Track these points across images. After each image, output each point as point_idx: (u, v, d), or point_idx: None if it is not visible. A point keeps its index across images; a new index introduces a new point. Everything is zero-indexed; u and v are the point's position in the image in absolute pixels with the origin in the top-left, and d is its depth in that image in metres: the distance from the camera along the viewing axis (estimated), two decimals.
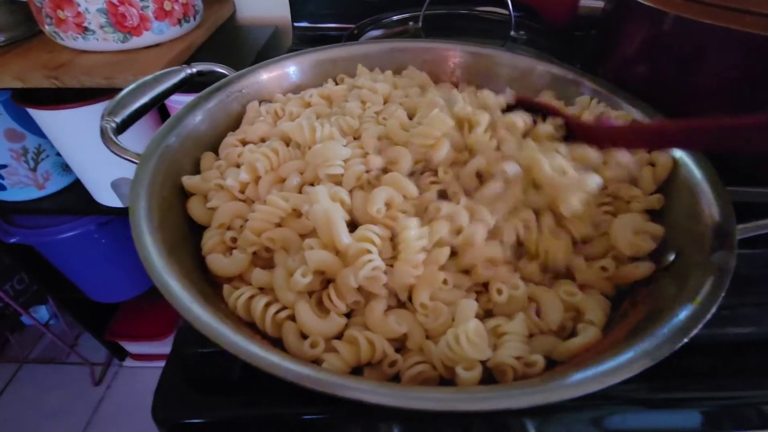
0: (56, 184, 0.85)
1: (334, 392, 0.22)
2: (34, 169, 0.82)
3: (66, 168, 0.85)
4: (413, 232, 0.29)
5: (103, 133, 0.34)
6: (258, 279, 0.30)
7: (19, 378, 1.24)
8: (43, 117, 0.71)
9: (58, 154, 0.82)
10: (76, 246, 0.92)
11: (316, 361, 0.27)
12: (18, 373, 1.24)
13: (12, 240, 0.88)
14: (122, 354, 1.25)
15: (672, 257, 0.30)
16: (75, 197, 0.85)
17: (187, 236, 0.34)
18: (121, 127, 0.35)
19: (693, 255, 0.28)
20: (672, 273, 0.29)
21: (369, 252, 0.28)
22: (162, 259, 0.26)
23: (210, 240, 0.33)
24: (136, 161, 0.33)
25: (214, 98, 0.40)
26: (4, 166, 0.79)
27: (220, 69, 0.44)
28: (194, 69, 0.42)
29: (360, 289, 0.29)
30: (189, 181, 0.35)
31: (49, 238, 0.89)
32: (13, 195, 0.83)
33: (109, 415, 1.16)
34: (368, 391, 0.22)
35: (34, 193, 0.84)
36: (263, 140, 0.38)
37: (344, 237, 0.29)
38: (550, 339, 0.28)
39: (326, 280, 0.31)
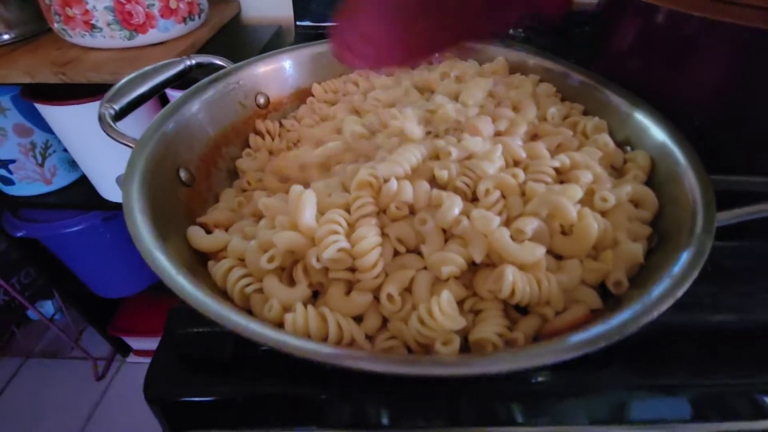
0: (63, 179, 0.87)
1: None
2: (41, 164, 0.83)
3: (73, 163, 0.87)
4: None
5: (101, 118, 0.35)
6: (234, 249, 0.31)
7: (24, 371, 1.25)
8: (50, 112, 0.72)
9: (65, 150, 0.84)
10: (81, 240, 0.93)
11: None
12: (23, 366, 1.26)
13: (19, 234, 0.90)
14: (125, 350, 1.27)
15: (655, 241, 0.31)
16: (81, 192, 0.87)
17: (181, 222, 0.35)
18: (120, 114, 0.37)
19: (674, 238, 0.29)
20: (654, 256, 0.29)
21: (335, 233, 0.29)
22: (154, 238, 0.27)
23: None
24: (133, 146, 0.34)
25: (211, 89, 0.41)
26: (12, 161, 0.80)
27: (218, 61, 0.45)
28: (193, 61, 0.43)
29: (326, 272, 0.29)
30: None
31: (55, 232, 0.90)
32: (21, 189, 0.85)
33: (110, 410, 1.17)
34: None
35: (41, 188, 0.85)
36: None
37: (308, 219, 0.29)
38: (537, 319, 0.28)
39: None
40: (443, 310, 0.25)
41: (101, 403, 1.18)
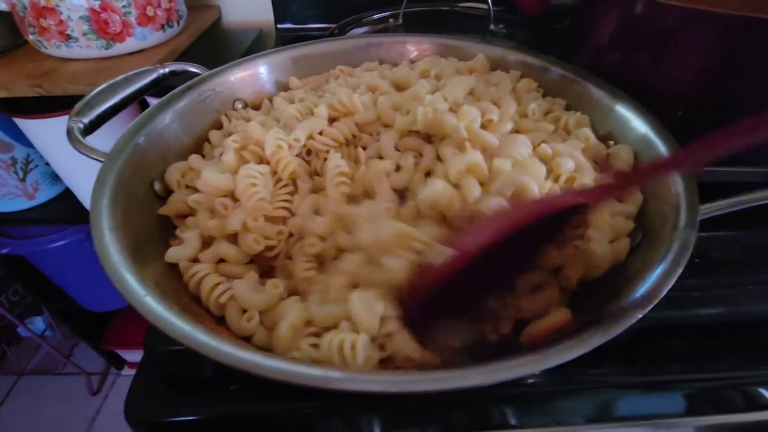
0: (46, 194, 0.85)
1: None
2: (23, 180, 0.82)
3: (55, 177, 0.85)
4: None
5: (69, 133, 0.34)
6: (206, 255, 0.31)
7: (17, 390, 1.23)
8: (28, 126, 0.71)
9: (47, 164, 0.83)
10: (67, 255, 0.92)
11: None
12: (16, 384, 1.24)
13: (3, 251, 0.89)
14: (119, 363, 1.25)
15: (639, 237, 0.30)
16: (65, 206, 0.86)
17: (156, 236, 0.33)
18: (90, 128, 0.35)
19: (658, 234, 0.28)
20: (638, 252, 0.29)
21: (255, 186, 0.32)
22: (121, 254, 0.26)
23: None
24: (103, 160, 0.33)
25: (185, 97, 0.40)
26: None
27: (193, 68, 0.44)
28: (167, 69, 0.42)
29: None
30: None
31: (40, 247, 0.89)
32: (2, 206, 0.83)
33: (107, 425, 1.16)
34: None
35: (24, 204, 0.84)
36: None
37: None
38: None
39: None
40: (356, 357, 0.24)
41: (97, 419, 1.17)
